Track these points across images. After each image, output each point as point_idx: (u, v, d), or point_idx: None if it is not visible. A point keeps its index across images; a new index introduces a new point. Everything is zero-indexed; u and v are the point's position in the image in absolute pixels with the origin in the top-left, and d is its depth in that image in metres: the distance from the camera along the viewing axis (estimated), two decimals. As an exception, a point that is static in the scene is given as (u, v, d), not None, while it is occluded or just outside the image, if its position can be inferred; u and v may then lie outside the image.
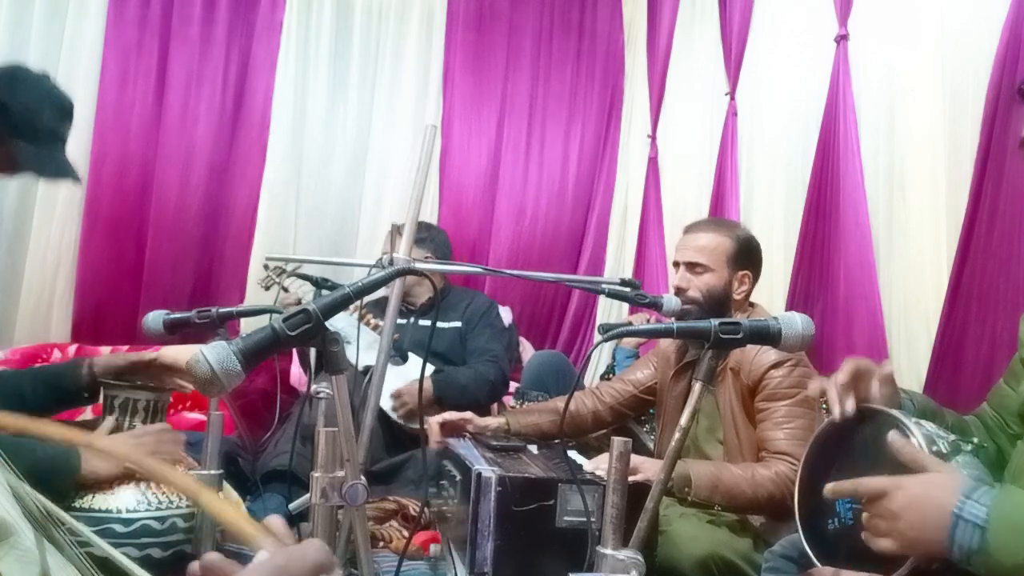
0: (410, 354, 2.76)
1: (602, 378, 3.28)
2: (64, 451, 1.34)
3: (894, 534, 0.93)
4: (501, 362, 2.80)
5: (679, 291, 1.99)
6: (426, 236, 2.89)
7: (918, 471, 0.96)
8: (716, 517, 1.80)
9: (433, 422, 2.11)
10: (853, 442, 1.19)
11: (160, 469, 0.79)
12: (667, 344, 2.19)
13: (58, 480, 1.31)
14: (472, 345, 2.83)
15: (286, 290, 2.72)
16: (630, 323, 3.44)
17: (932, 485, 0.93)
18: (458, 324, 2.87)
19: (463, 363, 2.81)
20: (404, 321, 2.84)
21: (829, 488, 1.01)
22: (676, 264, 2.06)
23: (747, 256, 2.05)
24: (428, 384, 2.60)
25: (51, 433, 0.93)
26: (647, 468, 1.69)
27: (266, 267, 2.74)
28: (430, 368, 2.70)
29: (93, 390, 1.60)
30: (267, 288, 2.73)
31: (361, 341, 2.39)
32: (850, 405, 1.17)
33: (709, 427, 2.02)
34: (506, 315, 3.84)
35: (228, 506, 0.71)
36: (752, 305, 2.06)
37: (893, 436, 1.01)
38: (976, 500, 0.89)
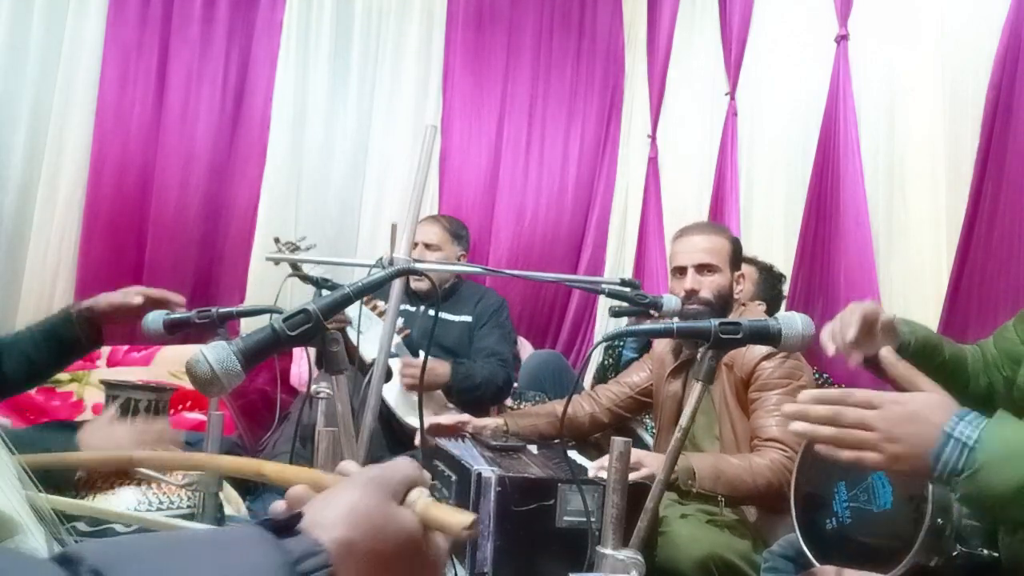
0: (421, 352, 2.75)
1: (595, 378, 3.26)
2: (63, 443, 1.34)
3: (880, 447, 0.90)
4: (509, 368, 2.81)
5: (691, 293, 1.98)
6: (464, 234, 2.94)
7: (911, 389, 0.97)
8: (716, 517, 1.80)
9: (435, 425, 2.11)
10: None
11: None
12: (662, 346, 2.20)
13: (57, 473, 1.31)
14: (480, 344, 2.82)
15: (298, 268, 2.63)
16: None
17: (928, 403, 0.93)
18: (468, 319, 2.87)
19: (469, 359, 2.81)
20: (412, 309, 2.84)
21: (811, 395, 0.96)
22: (679, 269, 2.05)
23: (739, 257, 2.10)
24: (445, 369, 2.61)
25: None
26: (651, 463, 1.68)
27: (276, 241, 2.69)
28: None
29: (91, 334, 1.59)
30: (277, 263, 2.67)
31: (371, 332, 2.39)
32: (856, 359, 1.18)
33: (707, 424, 2.02)
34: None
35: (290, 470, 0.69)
36: (744, 305, 2.08)
37: (886, 352, 1.00)
38: (969, 421, 0.88)
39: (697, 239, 2.05)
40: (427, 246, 2.82)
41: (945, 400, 0.93)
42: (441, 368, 2.59)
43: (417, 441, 2.47)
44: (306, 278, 2.69)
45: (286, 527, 0.49)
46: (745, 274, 2.13)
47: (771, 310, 2.14)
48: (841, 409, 0.93)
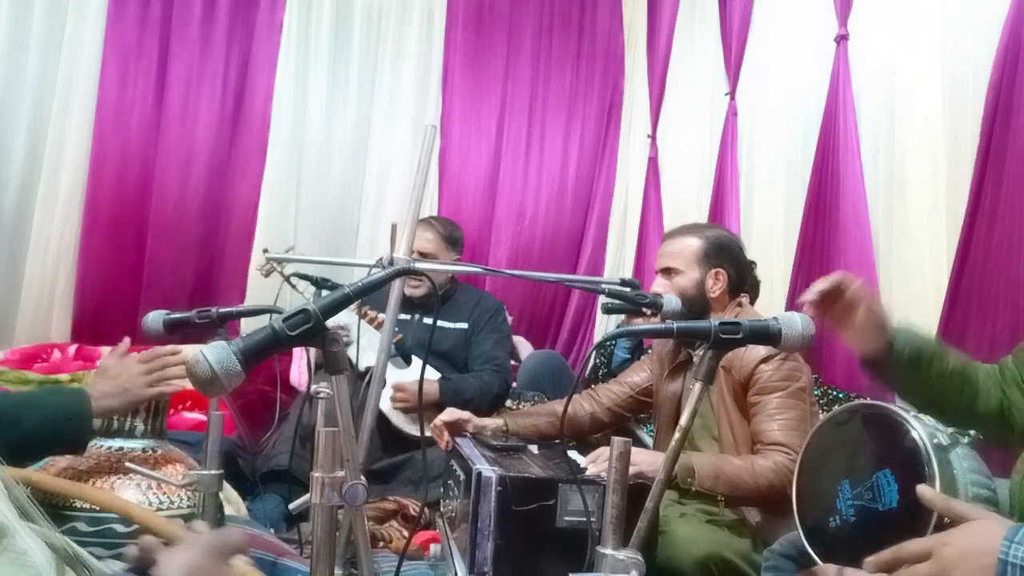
0: (414, 358, 2.73)
1: (588, 378, 3.25)
2: (74, 397, 1.34)
3: None
4: (505, 372, 2.77)
5: (657, 297, 2.01)
6: (459, 236, 2.87)
7: (956, 520, 0.95)
8: (716, 517, 1.80)
9: (439, 423, 2.11)
10: (850, 439, 1.19)
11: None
12: (660, 346, 2.20)
13: (74, 426, 1.31)
14: (477, 350, 2.79)
15: (287, 278, 2.63)
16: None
17: (975, 535, 0.92)
18: (464, 325, 2.82)
19: (466, 365, 2.79)
20: (407, 317, 2.78)
21: (870, 562, 0.97)
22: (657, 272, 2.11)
23: (718, 254, 2.03)
24: (434, 388, 2.59)
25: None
26: (641, 461, 1.69)
27: (265, 251, 2.69)
28: (437, 373, 2.68)
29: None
30: (267, 275, 2.67)
31: (363, 340, 2.38)
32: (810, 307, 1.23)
33: (703, 424, 2.02)
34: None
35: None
36: (740, 304, 2.06)
37: (923, 489, 1.00)
38: (1019, 543, 0.88)
39: (668, 242, 2.10)
40: (422, 255, 2.67)
41: (990, 526, 0.93)
42: (430, 387, 2.57)
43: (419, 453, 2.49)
44: (306, 277, 2.71)
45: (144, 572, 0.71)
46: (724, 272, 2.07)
47: (751, 299, 2.13)
48: (902, 573, 0.94)
